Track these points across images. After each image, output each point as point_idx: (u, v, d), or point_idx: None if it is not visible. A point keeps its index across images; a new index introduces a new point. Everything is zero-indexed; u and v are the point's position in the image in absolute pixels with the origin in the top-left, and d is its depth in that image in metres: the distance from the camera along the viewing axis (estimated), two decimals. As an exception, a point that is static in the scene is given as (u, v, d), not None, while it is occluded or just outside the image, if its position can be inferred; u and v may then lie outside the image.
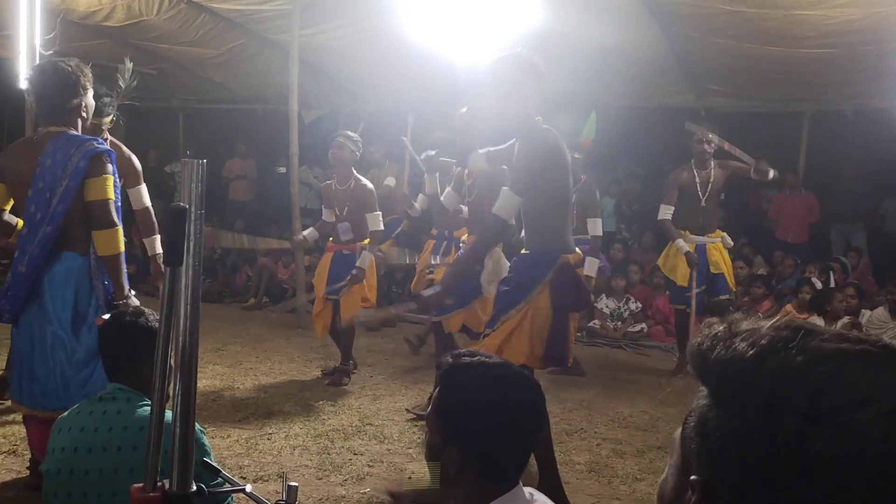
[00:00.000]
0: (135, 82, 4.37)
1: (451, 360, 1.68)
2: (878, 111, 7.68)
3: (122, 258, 3.29)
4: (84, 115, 3.38)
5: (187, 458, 1.18)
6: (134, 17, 7.80)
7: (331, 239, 5.74)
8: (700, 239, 6.04)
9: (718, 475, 0.72)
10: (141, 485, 1.19)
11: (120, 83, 4.31)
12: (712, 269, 6.01)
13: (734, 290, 6.23)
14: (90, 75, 3.41)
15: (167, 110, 11.47)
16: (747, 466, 0.69)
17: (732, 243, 6.27)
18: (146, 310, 2.42)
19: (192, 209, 1.13)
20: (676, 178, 6.09)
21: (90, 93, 3.41)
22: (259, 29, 8.20)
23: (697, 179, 5.99)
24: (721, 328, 0.77)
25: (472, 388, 1.61)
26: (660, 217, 6.17)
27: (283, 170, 11.31)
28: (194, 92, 10.86)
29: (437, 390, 1.69)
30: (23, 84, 7.05)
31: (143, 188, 4.42)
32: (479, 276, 4.54)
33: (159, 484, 1.19)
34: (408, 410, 4.86)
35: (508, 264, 4.31)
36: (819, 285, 7.30)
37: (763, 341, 0.72)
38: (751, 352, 0.72)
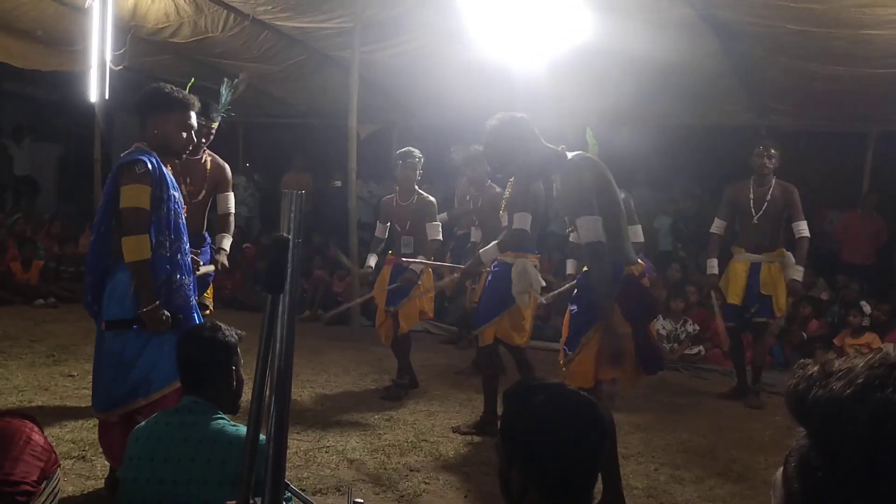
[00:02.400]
0: (232, 95, 4.66)
1: (515, 385, 1.74)
2: (946, 132, 7.47)
3: (148, 266, 3.28)
4: (156, 132, 3.42)
5: (280, 476, 1.21)
6: (199, 33, 8.03)
7: (390, 252, 5.80)
8: (753, 257, 5.85)
9: None
10: (234, 502, 1.23)
11: (222, 96, 4.59)
12: (762, 290, 5.80)
13: (782, 314, 5.97)
14: (183, 101, 3.45)
15: (228, 124, 11.73)
16: None
17: (794, 262, 5.88)
18: (222, 325, 2.49)
19: (292, 238, 1.17)
20: (731, 193, 5.97)
21: (171, 116, 3.43)
22: (320, 46, 8.35)
23: (752, 196, 5.81)
24: (815, 368, 0.78)
25: (529, 408, 1.65)
26: (711, 230, 6.10)
27: (338, 184, 11.49)
28: (255, 106, 11.10)
29: (503, 414, 1.74)
30: (92, 97, 7.35)
31: (230, 195, 4.82)
32: (507, 289, 4.61)
33: (252, 502, 1.23)
34: (454, 430, 4.88)
35: (537, 273, 4.60)
36: (868, 310, 7.11)
37: (860, 380, 0.72)
38: (848, 391, 0.72)
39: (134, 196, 3.26)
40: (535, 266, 4.75)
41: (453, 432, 4.84)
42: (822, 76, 6.78)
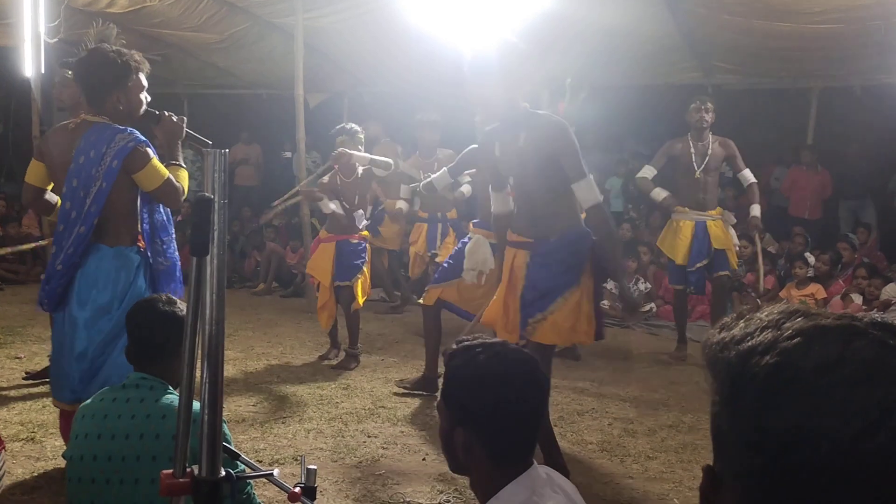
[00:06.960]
0: None
1: (454, 345, 1.74)
2: (886, 87, 7.63)
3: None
4: (121, 107, 3.24)
5: (216, 444, 1.20)
6: (137, 3, 7.75)
7: (324, 229, 5.69)
8: (700, 216, 5.86)
9: (715, 452, 0.76)
10: (171, 471, 1.21)
11: None
12: (714, 245, 5.82)
13: (735, 266, 6.07)
14: (142, 68, 3.25)
15: (171, 96, 11.45)
16: (721, 434, 0.74)
17: (735, 221, 6.06)
18: (178, 299, 2.42)
19: (216, 199, 1.14)
20: (670, 146, 5.92)
21: (133, 86, 3.25)
22: (262, 13, 8.15)
23: (692, 150, 5.79)
24: (727, 319, 0.80)
25: (471, 369, 1.66)
26: (638, 175, 6.09)
27: (288, 155, 11.33)
28: (198, 78, 10.83)
29: (443, 376, 1.74)
30: (27, 72, 7.08)
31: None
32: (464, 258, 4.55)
33: (188, 470, 1.21)
34: (397, 384, 5.04)
35: (490, 251, 4.25)
36: (812, 261, 7.30)
37: (752, 326, 0.75)
38: (736, 332, 0.75)
39: (155, 174, 3.19)
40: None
41: (396, 386, 5.03)
42: (764, 33, 6.85)
